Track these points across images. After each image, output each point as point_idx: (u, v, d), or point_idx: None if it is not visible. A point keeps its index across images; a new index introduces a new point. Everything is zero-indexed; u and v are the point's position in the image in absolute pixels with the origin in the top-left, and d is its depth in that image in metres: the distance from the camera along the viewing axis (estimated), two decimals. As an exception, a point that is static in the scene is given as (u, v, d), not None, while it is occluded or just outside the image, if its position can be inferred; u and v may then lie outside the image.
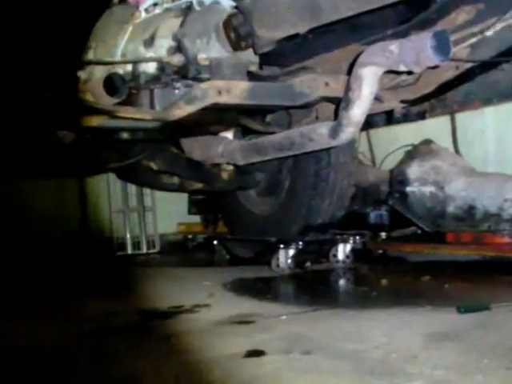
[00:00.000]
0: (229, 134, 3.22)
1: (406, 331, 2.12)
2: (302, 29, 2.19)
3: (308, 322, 2.35)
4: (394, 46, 1.98)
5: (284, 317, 2.43)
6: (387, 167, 4.22)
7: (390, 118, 3.49)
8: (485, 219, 3.36)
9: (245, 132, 3.40)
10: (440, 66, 2.09)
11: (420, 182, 3.66)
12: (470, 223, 3.42)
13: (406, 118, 3.29)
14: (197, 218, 5.37)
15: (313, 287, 3.26)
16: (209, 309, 2.65)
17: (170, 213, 5.58)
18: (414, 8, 2.23)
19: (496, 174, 3.57)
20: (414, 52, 1.92)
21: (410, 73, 2.15)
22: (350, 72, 2.20)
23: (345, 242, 3.70)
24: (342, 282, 3.49)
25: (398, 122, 3.74)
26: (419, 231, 3.95)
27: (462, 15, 2.23)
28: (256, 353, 1.94)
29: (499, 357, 1.76)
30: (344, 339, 2.06)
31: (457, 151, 4.10)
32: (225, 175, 3.49)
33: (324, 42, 2.51)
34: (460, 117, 4.07)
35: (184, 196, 5.21)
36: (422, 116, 3.47)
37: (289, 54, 2.56)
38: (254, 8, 2.27)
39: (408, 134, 4.30)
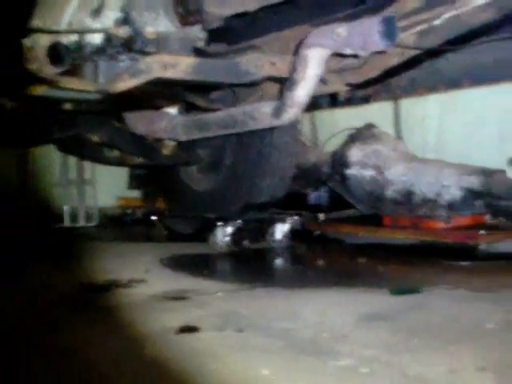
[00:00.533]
0: (173, 110, 3.20)
1: (338, 311, 2.15)
2: (252, 6, 2.19)
3: (243, 300, 2.37)
4: (341, 29, 2.00)
5: (219, 294, 2.45)
6: (329, 150, 4.26)
7: (334, 101, 3.52)
8: (422, 204, 3.42)
9: (189, 108, 3.37)
10: (386, 51, 2.11)
11: (360, 166, 3.70)
12: (408, 208, 3.47)
13: (350, 102, 3.32)
14: (137, 193, 5.33)
15: (250, 265, 3.29)
16: (145, 284, 2.65)
17: (109, 186, 5.54)
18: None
19: (435, 161, 3.63)
20: (361, 36, 1.94)
21: (356, 56, 2.16)
22: (295, 52, 2.20)
23: (283, 221, 3.73)
24: (279, 261, 3.52)
25: (342, 105, 3.78)
26: (358, 213, 4.01)
27: (411, 2, 2.26)
28: (190, 329, 1.95)
29: (428, 337, 1.81)
30: (277, 318, 2.08)
31: (399, 137, 4.16)
32: (166, 150, 3.47)
33: (274, 21, 2.51)
34: (403, 103, 4.13)
35: (124, 170, 5.16)
36: (365, 100, 3.51)
37: (237, 31, 2.56)
38: (203, -14, 2.26)
39: (351, 117, 4.33)
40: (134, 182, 5.15)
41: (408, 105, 4.13)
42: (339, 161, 3.79)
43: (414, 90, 3.47)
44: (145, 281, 2.70)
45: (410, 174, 3.52)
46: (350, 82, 2.61)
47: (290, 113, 2.29)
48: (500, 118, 3.72)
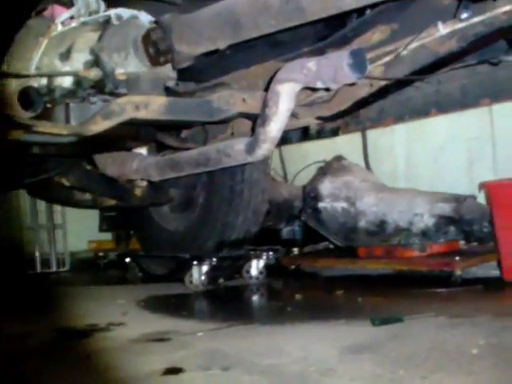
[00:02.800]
0: (143, 150, 3.20)
1: (322, 345, 2.15)
2: (222, 45, 2.21)
3: (225, 339, 2.35)
4: (311, 64, 2.02)
5: (200, 333, 2.42)
6: (299, 183, 4.29)
7: (304, 135, 3.55)
8: (395, 233, 3.46)
9: (159, 148, 3.37)
10: (355, 83, 2.14)
11: (332, 198, 3.73)
12: (382, 237, 3.51)
13: (320, 135, 3.36)
14: (108, 236, 5.29)
15: (228, 303, 3.27)
16: (124, 327, 2.62)
17: (80, 230, 5.49)
18: (331, 26, 2.28)
19: (406, 190, 3.68)
20: (331, 69, 1.96)
21: (327, 89, 2.19)
22: (267, 88, 2.22)
23: (258, 257, 3.72)
24: (256, 297, 3.51)
25: (311, 138, 3.82)
26: (332, 246, 4.03)
27: (377, 34, 2.30)
28: (175, 370, 1.92)
29: (414, 367, 1.81)
30: (261, 354, 2.07)
31: (368, 167, 4.21)
32: (138, 191, 3.45)
33: (241, 58, 2.54)
34: (371, 134, 4.19)
35: (95, 213, 5.13)
36: (335, 133, 3.55)
37: (206, 69, 2.58)
38: (174, 23, 2.28)
39: (320, 150, 4.39)
40: (105, 224, 5.12)
41: (375, 135, 4.19)
42: (311, 194, 3.82)
43: (383, 120, 3.53)
44: (124, 324, 2.67)
45: (382, 204, 3.55)
46: (321, 115, 2.63)
47: (264, 148, 2.30)
48: (466, 144, 3.79)
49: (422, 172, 4.02)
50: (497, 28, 2.04)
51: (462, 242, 3.44)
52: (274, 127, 2.23)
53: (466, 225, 3.27)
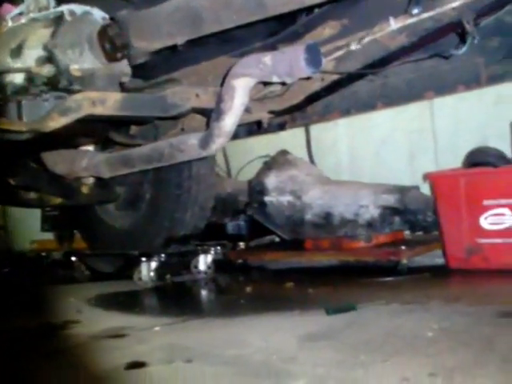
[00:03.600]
0: (90, 147, 3.18)
1: (280, 334, 2.19)
2: (181, 40, 2.23)
3: (182, 332, 2.37)
4: (267, 58, 2.06)
5: (157, 328, 2.44)
6: (243, 178, 4.34)
7: (248, 130, 3.59)
8: (342, 225, 3.51)
9: (104, 145, 3.36)
10: (308, 77, 2.19)
11: (278, 192, 3.77)
12: (328, 230, 3.56)
13: (267, 129, 3.41)
14: (50, 235, 5.22)
15: (179, 298, 3.28)
16: (81, 325, 2.60)
17: (22, 230, 5.40)
18: (282, 22, 2.32)
19: (351, 182, 3.76)
20: (287, 64, 2.00)
21: (283, 83, 2.23)
22: (222, 83, 2.25)
23: (206, 252, 3.74)
24: (206, 292, 3.53)
25: (256, 133, 3.87)
26: (278, 240, 4.08)
27: (327, 29, 2.37)
28: (138, 364, 1.93)
29: (373, 352, 1.87)
30: (222, 346, 2.10)
31: (312, 161, 4.28)
32: (85, 189, 3.43)
33: (192, 54, 2.56)
34: (314, 128, 4.26)
35: (36, 213, 5.06)
36: (282, 127, 3.61)
37: (156, 65, 2.59)
38: (132, 19, 2.28)
39: (263, 145, 4.44)
40: (47, 223, 5.05)
41: (319, 130, 4.27)
42: (257, 189, 3.85)
43: (329, 114, 3.60)
44: (79, 321, 2.65)
45: (327, 197, 3.61)
46: (273, 109, 2.68)
47: (218, 143, 2.34)
48: (408, 137, 3.90)
49: (365, 165, 4.11)
50: (446, 23, 2.13)
51: (407, 232, 3.53)
52: (229, 121, 2.26)
53: (411, 215, 3.35)
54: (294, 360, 1.86)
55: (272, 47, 2.47)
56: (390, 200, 3.41)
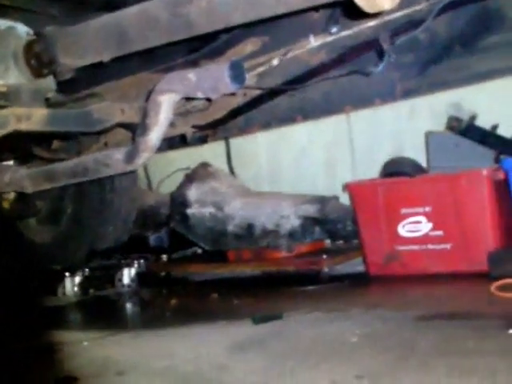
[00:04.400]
0: (10, 162, 3.16)
1: (209, 345, 2.24)
2: (107, 57, 2.26)
3: (112, 346, 2.39)
4: (191, 75, 2.11)
5: (86, 343, 2.45)
6: (164, 191, 4.36)
7: (170, 143, 3.62)
8: (263, 236, 3.58)
9: (24, 159, 3.34)
10: (231, 93, 2.26)
11: (199, 204, 3.81)
12: (250, 240, 3.62)
13: (189, 143, 3.44)
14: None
15: (105, 313, 3.28)
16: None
17: None
18: (203, 38, 2.37)
19: (272, 193, 3.85)
20: (212, 80, 2.06)
21: (208, 99, 2.30)
22: (147, 99, 2.29)
23: (129, 266, 3.75)
24: (132, 305, 3.54)
25: (177, 146, 3.90)
26: (201, 251, 4.12)
27: (249, 46, 2.44)
28: (68, 379, 1.95)
29: (302, 358, 1.95)
30: (153, 358, 2.14)
31: (232, 173, 4.35)
32: (6, 204, 3.40)
33: (115, 69, 2.58)
34: (235, 141, 4.34)
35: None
36: (203, 140, 3.65)
37: (80, 79, 2.60)
38: (59, 35, 2.30)
39: (184, 157, 4.48)
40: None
41: (239, 142, 4.34)
42: (178, 201, 3.88)
43: (250, 127, 3.67)
44: (5, 337, 2.64)
45: (249, 208, 3.68)
46: (196, 123, 2.74)
47: (143, 157, 2.37)
48: (326, 148, 4.02)
49: (285, 176, 4.20)
50: (363, 41, 2.24)
51: (327, 241, 3.62)
52: (154, 136, 2.30)
53: (331, 224, 3.44)
54: (225, 369, 1.92)
55: (194, 63, 2.54)
56: (310, 210, 3.50)
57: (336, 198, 3.56)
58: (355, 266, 3.33)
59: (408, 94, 3.22)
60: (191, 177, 3.96)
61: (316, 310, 2.59)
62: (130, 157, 2.42)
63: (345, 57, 2.37)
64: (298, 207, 3.54)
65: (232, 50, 2.49)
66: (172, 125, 2.62)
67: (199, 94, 2.15)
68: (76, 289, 3.48)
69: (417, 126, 3.50)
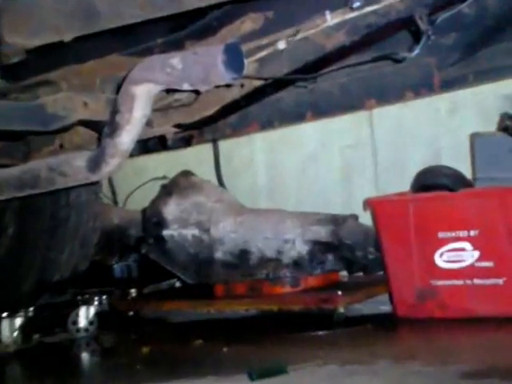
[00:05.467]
0: None
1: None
2: (69, 36, 2.25)
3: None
4: (176, 60, 2.09)
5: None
6: (134, 207, 4.35)
7: (142, 147, 3.58)
8: (261, 265, 3.58)
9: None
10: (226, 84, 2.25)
11: (180, 224, 3.80)
12: (244, 271, 3.62)
13: (167, 146, 3.40)
14: None
15: (53, 366, 3.20)
16: None
17: None
18: (190, 12, 2.36)
19: (272, 211, 3.84)
20: (202, 68, 2.04)
21: (197, 92, 2.29)
22: (118, 90, 2.28)
23: (88, 303, 3.72)
24: (90, 355, 3.51)
25: (151, 150, 3.86)
26: (181, 284, 4.11)
27: (247, 23, 2.43)
28: None
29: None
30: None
31: (221, 184, 4.35)
32: None
33: (75, 50, 2.57)
34: (224, 144, 4.34)
35: None
36: (186, 143, 3.61)
37: (28, 62, 2.58)
38: (4, 8, 2.29)
39: (159, 164, 4.47)
40: None
41: (230, 145, 4.34)
42: (152, 220, 3.87)
43: (246, 127, 3.64)
44: None
45: (243, 230, 3.68)
46: (180, 121, 2.72)
47: (112, 164, 2.35)
48: (342, 153, 4.02)
49: (288, 188, 4.21)
50: (393, 19, 2.24)
51: (343, 273, 3.62)
52: (127, 138, 2.29)
53: (347, 251, 3.44)
54: None
55: (178, 44, 2.52)
56: (321, 233, 3.50)
57: (354, 217, 3.56)
58: (379, 305, 3.33)
59: (448, 85, 3.18)
60: (169, 189, 3.95)
61: (331, 362, 2.58)
62: (95, 164, 2.40)
63: (370, 39, 2.36)
64: (305, 229, 3.54)
65: (226, 28, 2.47)
66: (149, 123, 2.61)
67: (185, 86, 2.14)
68: (16, 334, 3.44)
69: (459, 126, 3.51)
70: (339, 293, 3.31)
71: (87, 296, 3.76)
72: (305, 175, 4.15)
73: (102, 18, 2.16)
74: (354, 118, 3.86)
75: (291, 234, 3.55)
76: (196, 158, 4.40)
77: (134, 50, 2.61)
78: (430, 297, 3.04)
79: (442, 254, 3.01)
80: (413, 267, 3.07)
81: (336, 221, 3.51)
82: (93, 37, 2.39)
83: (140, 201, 4.25)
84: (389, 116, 3.81)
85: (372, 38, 2.37)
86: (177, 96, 2.61)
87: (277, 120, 3.35)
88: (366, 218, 3.47)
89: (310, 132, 4.08)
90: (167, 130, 2.81)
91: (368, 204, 3.31)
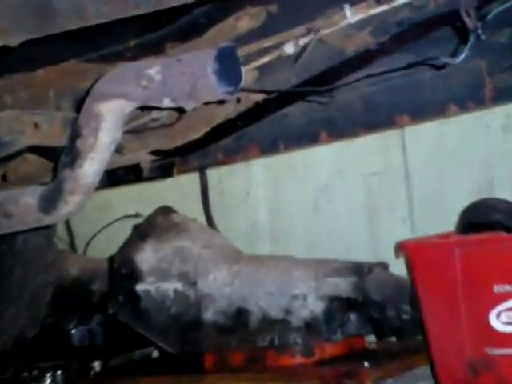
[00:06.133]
0: None
1: None
2: (18, 40, 2.26)
3: None
4: (154, 70, 2.10)
5: None
6: (97, 254, 4.35)
7: (109, 177, 3.55)
8: (264, 328, 3.55)
9: None
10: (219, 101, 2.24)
11: (158, 276, 3.78)
12: (242, 336, 3.59)
13: (142, 177, 3.37)
14: None
15: None
16: None
17: None
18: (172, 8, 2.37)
19: (277, 258, 3.82)
20: (187, 79, 2.05)
21: (181, 110, 2.30)
22: (79, 108, 2.29)
23: (37, 382, 3.70)
24: None
25: (124, 182, 3.84)
26: (158, 354, 4.10)
27: (244, 21, 2.44)
28: None
29: None
30: None
31: (211, 224, 4.34)
32: None
33: (21, 54, 2.58)
34: (216, 172, 4.34)
35: None
36: (167, 173, 3.59)
37: None
38: None
39: (130, 198, 4.48)
40: None
41: (222, 173, 4.34)
42: (123, 271, 3.86)
43: (242, 151, 3.61)
44: None
45: (239, 283, 3.66)
46: (158, 147, 2.73)
47: (72, 203, 2.36)
48: (364, 182, 4.03)
49: (297, 229, 4.20)
50: (432, 14, 2.25)
51: (370, 339, 3.61)
52: (91, 169, 2.30)
53: (375, 310, 3.41)
54: None
55: (156, 48, 2.54)
56: (341, 286, 3.49)
57: (383, 265, 3.56)
58: (418, 380, 3.32)
59: (502, 95, 3.19)
60: (144, 230, 3.95)
61: None
62: (49, 202, 2.41)
63: (402, 39, 2.37)
64: (319, 281, 3.53)
65: (217, 26, 2.48)
66: (119, 150, 2.62)
67: (165, 102, 2.14)
68: None
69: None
70: (365, 364, 3.29)
71: (36, 372, 3.74)
72: (317, 212, 4.15)
73: (60, 18, 2.17)
74: (382, 139, 3.87)
75: (302, 288, 3.53)
76: (178, 190, 4.40)
77: (98, 54, 2.63)
78: (484, 369, 3.02)
79: (499, 314, 2.99)
80: (461, 331, 3.04)
81: (359, 270, 3.49)
82: (44, 39, 2.40)
83: (106, 246, 4.24)
84: (426, 135, 3.80)
85: (404, 39, 2.38)
86: (155, 115, 2.62)
87: (282, 142, 3.34)
88: (398, 267, 3.46)
89: (324, 157, 4.09)
90: (142, 157, 2.83)
91: (401, 248, 3.29)
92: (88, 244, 4.63)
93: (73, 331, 4.16)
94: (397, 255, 3.37)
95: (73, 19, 2.17)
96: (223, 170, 4.27)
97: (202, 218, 4.35)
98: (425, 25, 2.30)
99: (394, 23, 2.28)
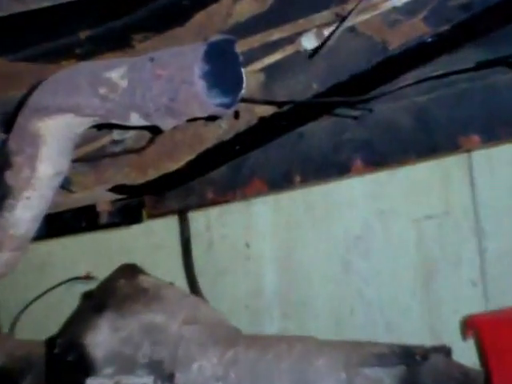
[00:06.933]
0: None
1: None
2: None
3: None
4: (116, 73, 2.11)
5: None
6: (28, 333, 4.38)
7: (58, 226, 3.55)
8: None
9: None
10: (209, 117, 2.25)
11: (119, 366, 3.78)
12: None
13: (98, 224, 3.36)
14: None
15: None
16: None
17: None
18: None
19: (290, 340, 3.83)
20: (165, 86, 2.06)
21: (155, 130, 2.30)
22: (8, 127, 2.31)
23: None
24: None
25: (71, 231, 3.84)
26: None
27: (246, 2, 2.46)
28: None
29: None
30: None
31: (194, 289, 4.37)
32: None
33: None
34: (200, 216, 4.37)
35: None
36: (134, 218, 3.58)
37: None
38: None
39: (79, 254, 4.51)
40: None
41: (209, 219, 4.37)
42: (68, 359, 3.88)
43: (243, 187, 3.61)
44: None
45: (236, 376, 3.67)
46: (122, 181, 2.74)
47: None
48: (415, 228, 4.06)
49: (317, 294, 4.23)
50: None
51: None
52: (26, 214, 2.32)
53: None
54: None
55: (119, 41, 2.56)
56: (384, 380, 3.51)
57: (443, 350, 3.57)
58: None
59: None
60: (99, 300, 3.96)
61: None
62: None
63: (468, 30, 2.38)
64: (352, 373, 3.55)
65: (206, 10, 2.50)
66: (67, 185, 2.64)
67: (134, 118, 2.15)
68: None
69: None
70: None
71: None
72: (347, 272, 4.18)
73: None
74: (440, 168, 3.89)
75: (327, 382, 3.55)
76: (149, 242, 4.43)
77: (36, 50, 2.64)
78: None
79: None
80: None
81: (410, 357, 3.51)
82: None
83: (41, 322, 4.27)
84: (504, 163, 3.83)
85: (473, 29, 2.40)
86: (117, 136, 2.64)
87: (297, 174, 3.35)
88: (465, 352, 3.48)
89: (357, 194, 4.12)
90: (99, 196, 2.84)
91: (471, 326, 3.31)
92: (17, 319, 4.64)
93: None
94: (464, 335, 3.39)
95: (3, 3, 2.20)
96: (213, 212, 4.31)
97: (182, 282, 4.35)
98: (502, 10, 2.30)
99: (459, 6, 2.29)
